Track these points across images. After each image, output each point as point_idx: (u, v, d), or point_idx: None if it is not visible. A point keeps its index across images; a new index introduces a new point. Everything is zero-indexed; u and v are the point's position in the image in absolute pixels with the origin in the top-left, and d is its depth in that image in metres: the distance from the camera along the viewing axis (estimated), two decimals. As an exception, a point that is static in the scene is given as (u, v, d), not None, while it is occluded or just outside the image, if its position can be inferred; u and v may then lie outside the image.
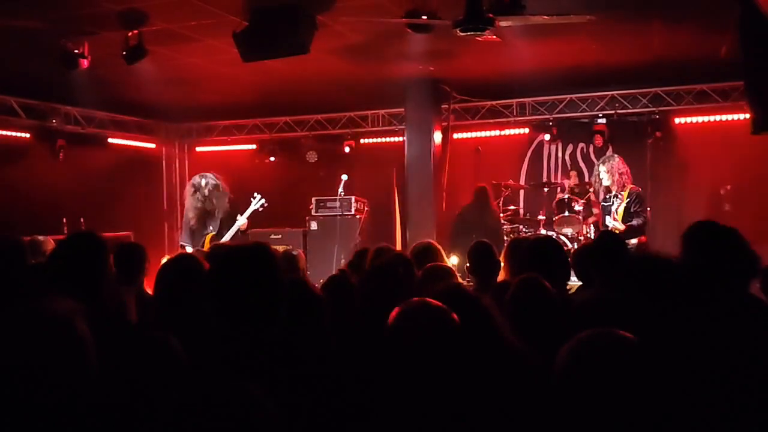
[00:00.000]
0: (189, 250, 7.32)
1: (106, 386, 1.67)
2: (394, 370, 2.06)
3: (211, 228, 7.53)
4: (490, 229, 8.74)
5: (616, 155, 8.11)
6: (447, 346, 2.05)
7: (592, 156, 10.49)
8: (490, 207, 9.30)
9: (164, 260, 3.00)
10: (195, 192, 7.60)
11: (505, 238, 8.83)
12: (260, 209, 7.75)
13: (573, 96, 10.23)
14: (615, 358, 1.65)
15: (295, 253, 4.82)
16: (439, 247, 4.49)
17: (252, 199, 7.79)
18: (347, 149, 11.25)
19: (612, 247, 3.81)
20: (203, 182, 7.58)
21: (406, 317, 2.12)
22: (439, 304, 2.17)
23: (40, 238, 5.83)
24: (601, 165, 7.84)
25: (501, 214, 9.41)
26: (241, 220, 7.53)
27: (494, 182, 9.68)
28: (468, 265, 4.21)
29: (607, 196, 7.81)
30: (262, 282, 2.22)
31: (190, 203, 7.64)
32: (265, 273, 2.24)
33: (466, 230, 8.69)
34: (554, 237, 7.96)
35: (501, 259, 4.14)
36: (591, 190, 8.78)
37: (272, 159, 11.84)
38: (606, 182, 7.69)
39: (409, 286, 3.22)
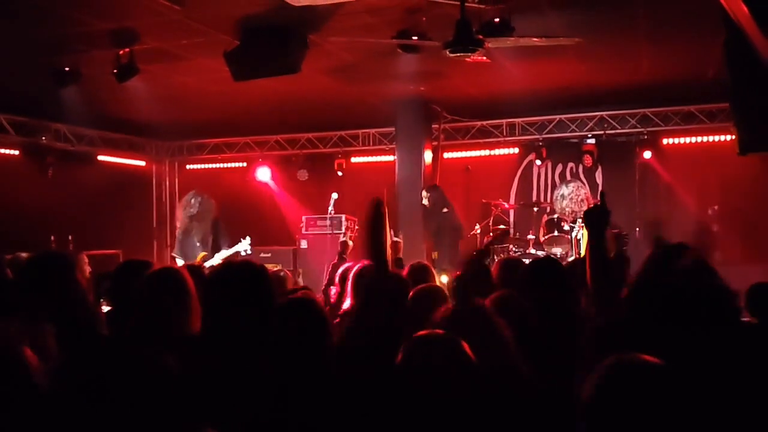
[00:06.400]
0: (179, 262, 7.35)
1: (68, 401, 1.62)
2: (404, 405, 1.95)
3: (198, 244, 7.57)
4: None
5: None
6: (463, 380, 1.94)
7: (582, 176, 10.55)
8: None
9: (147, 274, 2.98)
10: (184, 209, 7.77)
11: (495, 257, 8.83)
12: (243, 254, 7.70)
13: (562, 116, 10.31)
14: (646, 384, 1.57)
15: (282, 274, 4.81)
16: (433, 268, 4.50)
17: (241, 239, 7.77)
18: (338, 170, 11.29)
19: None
20: (192, 202, 7.68)
21: (419, 352, 1.99)
22: (450, 336, 2.05)
23: (23, 255, 5.78)
24: (568, 186, 7.57)
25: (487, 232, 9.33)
26: (224, 254, 7.51)
27: (484, 201, 9.72)
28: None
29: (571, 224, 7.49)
30: (255, 300, 2.19)
31: (180, 217, 7.84)
32: (257, 291, 2.21)
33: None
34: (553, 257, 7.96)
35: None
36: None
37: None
38: (575, 206, 7.46)
39: (403, 307, 3.16)
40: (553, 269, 3.64)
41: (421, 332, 2.11)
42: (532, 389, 2.29)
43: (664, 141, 10.01)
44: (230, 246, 7.68)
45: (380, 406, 2.05)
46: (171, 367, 1.70)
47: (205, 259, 7.47)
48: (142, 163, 12.22)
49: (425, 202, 8.90)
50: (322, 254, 9.64)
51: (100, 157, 11.10)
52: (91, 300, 2.80)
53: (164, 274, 2.56)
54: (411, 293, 3.36)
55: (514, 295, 3.01)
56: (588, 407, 1.60)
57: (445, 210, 8.72)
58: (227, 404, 2.00)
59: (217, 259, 7.48)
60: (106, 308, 3.33)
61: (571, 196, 7.44)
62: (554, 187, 10.57)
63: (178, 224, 7.87)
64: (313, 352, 2.38)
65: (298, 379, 2.22)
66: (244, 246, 7.74)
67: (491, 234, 9.31)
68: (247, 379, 2.11)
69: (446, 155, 10.75)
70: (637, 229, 9.74)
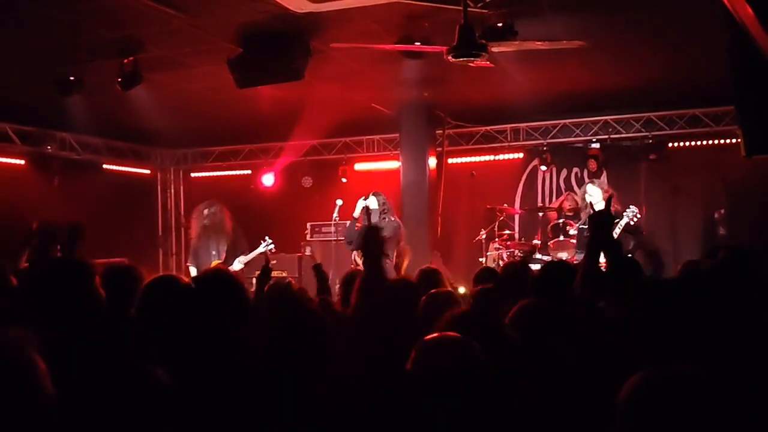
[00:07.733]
0: (193, 271, 7.45)
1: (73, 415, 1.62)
2: (416, 413, 1.90)
3: (214, 253, 7.64)
4: None
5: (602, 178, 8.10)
6: (475, 383, 1.90)
7: (587, 180, 10.52)
8: None
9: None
10: (198, 219, 7.84)
11: (501, 263, 8.80)
12: (268, 252, 7.78)
13: (567, 121, 10.29)
14: (687, 395, 1.51)
15: (286, 282, 4.80)
16: (441, 273, 4.47)
17: (262, 241, 7.87)
18: (343, 177, 11.27)
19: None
20: (206, 212, 7.77)
21: (431, 355, 1.94)
22: (459, 336, 2.00)
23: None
24: (590, 184, 7.79)
25: (498, 241, 9.30)
26: (244, 259, 7.67)
27: (489, 207, 9.69)
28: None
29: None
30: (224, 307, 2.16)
31: (194, 227, 7.88)
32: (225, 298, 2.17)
33: None
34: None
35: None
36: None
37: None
38: (596, 201, 7.49)
39: (413, 312, 3.11)
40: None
41: (432, 335, 2.05)
42: (541, 391, 2.25)
43: (670, 145, 9.96)
44: (251, 250, 7.77)
45: (386, 414, 2.00)
46: (162, 379, 1.70)
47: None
48: (147, 172, 12.25)
49: (372, 204, 7.77)
50: (327, 261, 9.63)
51: (105, 166, 11.13)
52: (104, 311, 2.76)
53: (162, 283, 2.54)
54: (423, 298, 3.30)
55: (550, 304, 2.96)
56: (625, 419, 1.54)
57: (392, 218, 7.82)
58: (218, 415, 1.98)
59: (239, 264, 7.60)
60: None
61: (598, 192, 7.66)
62: (559, 192, 10.56)
63: (192, 235, 7.89)
64: (308, 363, 2.34)
65: (298, 387, 2.20)
66: (265, 246, 7.81)
67: (496, 239, 9.29)
68: (234, 390, 2.08)
69: (450, 161, 10.72)
70: (643, 232, 9.69)
